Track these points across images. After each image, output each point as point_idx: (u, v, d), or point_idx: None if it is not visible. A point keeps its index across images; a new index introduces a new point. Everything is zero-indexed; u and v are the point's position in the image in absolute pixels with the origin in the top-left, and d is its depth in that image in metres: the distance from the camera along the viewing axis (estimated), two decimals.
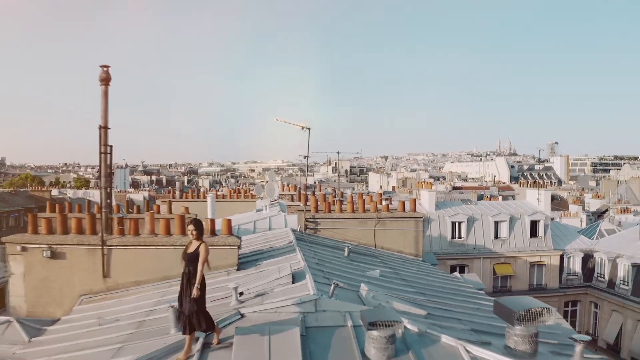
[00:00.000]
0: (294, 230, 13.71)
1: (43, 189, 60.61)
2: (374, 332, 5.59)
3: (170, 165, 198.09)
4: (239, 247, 9.97)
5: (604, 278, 33.12)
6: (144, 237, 10.08)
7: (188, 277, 6.06)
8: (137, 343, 6.56)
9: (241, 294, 7.41)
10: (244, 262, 10.19)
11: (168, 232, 10.13)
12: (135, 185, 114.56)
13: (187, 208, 17.67)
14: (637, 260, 30.80)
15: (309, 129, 14.03)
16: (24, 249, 10.39)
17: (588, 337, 6.77)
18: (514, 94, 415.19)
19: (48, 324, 9.27)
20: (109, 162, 10.61)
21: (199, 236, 6.28)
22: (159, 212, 18.39)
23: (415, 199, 16.36)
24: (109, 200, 10.73)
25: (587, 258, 34.48)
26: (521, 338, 6.18)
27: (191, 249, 6.21)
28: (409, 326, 6.20)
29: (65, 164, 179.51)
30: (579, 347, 6.33)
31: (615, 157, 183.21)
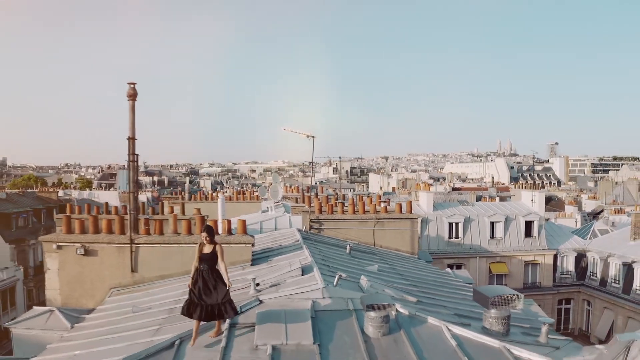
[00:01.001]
0: (299, 230, 14.92)
1: (50, 190, 61.77)
2: (372, 313, 6.82)
3: (171, 166, 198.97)
4: (252, 245, 11.21)
5: (596, 277, 34.32)
6: (168, 236, 11.30)
7: (208, 274, 7.05)
8: (172, 325, 7.77)
9: (258, 284, 8.62)
10: (257, 258, 11.40)
11: (189, 232, 11.35)
12: (138, 186, 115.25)
13: (199, 209, 18.93)
14: (628, 259, 31.99)
15: (313, 137, 15.23)
16: (59, 247, 11.59)
17: (552, 320, 8.00)
18: (515, 94, 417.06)
19: (85, 312, 10.49)
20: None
21: (212, 240, 7.30)
22: (172, 213, 19.67)
23: (411, 201, 17.59)
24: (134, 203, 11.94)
25: (580, 257, 35.67)
26: (495, 320, 7.39)
27: (206, 251, 7.21)
28: (400, 310, 7.42)
29: (66, 164, 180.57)
30: (544, 328, 7.58)
31: (615, 158, 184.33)
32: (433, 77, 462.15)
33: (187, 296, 7.15)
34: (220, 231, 11.39)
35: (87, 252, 11.43)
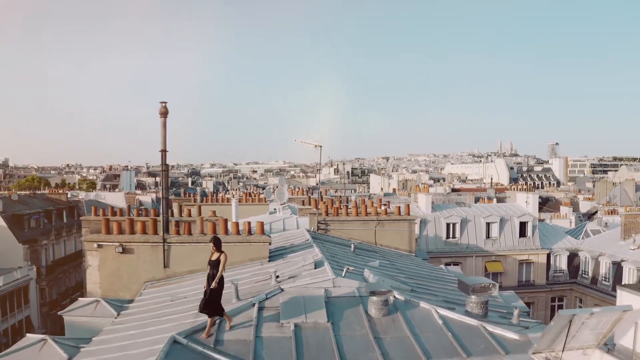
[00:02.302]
0: (308, 231, 16.56)
1: (59, 191, 63.45)
2: (374, 298, 8.47)
3: (172, 167, 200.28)
4: (269, 244, 12.86)
5: (587, 275, 35.94)
6: (196, 236, 12.93)
7: (212, 278, 8.47)
8: None
9: (278, 276, 10.25)
10: (273, 255, 13.02)
11: (214, 232, 12.96)
12: (141, 187, 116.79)
13: (214, 212, 20.60)
14: (617, 258, 33.61)
15: (320, 146, 16.84)
16: (99, 246, 13.23)
17: (524, 305, 9.64)
18: (516, 94, 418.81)
19: (126, 302, 12.11)
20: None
21: (219, 249, 8.69)
22: (189, 215, 21.38)
23: (409, 204, 19.23)
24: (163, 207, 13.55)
25: (573, 257, 37.30)
26: (475, 304, 9.02)
27: (213, 258, 8.65)
28: (397, 296, 9.06)
29: (68, 164, 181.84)
30: (515, 312, 9.21)
31: (615, 158, 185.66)
32: (434, 77, 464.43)
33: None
34: (241, 231, 13.04)
35: (125, 250, 13.06)
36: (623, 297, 7.69)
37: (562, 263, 36.96)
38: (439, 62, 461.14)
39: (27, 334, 10.00)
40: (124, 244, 13.03)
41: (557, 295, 36.91)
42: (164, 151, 13.07)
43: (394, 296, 8.95)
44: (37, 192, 65.02)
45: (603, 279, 34.41)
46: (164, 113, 13.08)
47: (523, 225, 36.42)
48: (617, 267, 33.45)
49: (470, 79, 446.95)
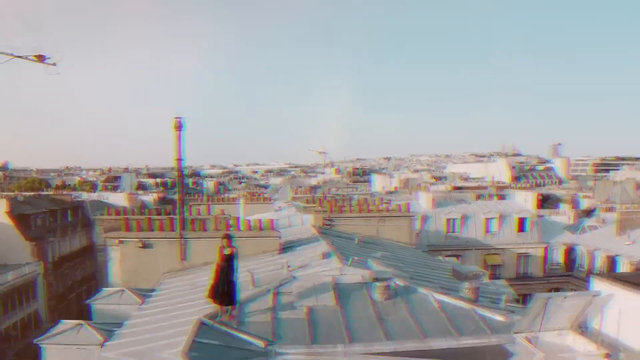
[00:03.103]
0: (314, 226, 17.59)
1: (63, 192, 64.56)
2: (377, 284, 9.50)
3: (173, 168, 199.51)
4: (280, 238, 13.90)
5: (583, 268, 36.95)
6: (210, 232, 13.95)
7: (227, 270, 9.48)
8: None
9: (289, 266, 11.27)
10: (283, 249, 14.06)
11: (228, 228, 13.98)
12: (143, 187, 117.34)
13: (223, 210, 21.66)
14: (612, 252, 34.64)
15: (324, 152, 17.78)
16: (121, 242, 14.26)
17: (512, 292, 10.62)
18: (518, 95, 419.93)
19: (147, 292, 13.10)
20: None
21: (230, 244, 9.74)
22: (199, 214, 22.41)
23: (408, 202, 20.30)
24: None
25: (570, 251, 38.39)
26: (467, 289, 10.03)
27: (227, 252, 9.63)
28: (398, 282, 10.09)
29: (67, 167, 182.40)
30: (504, 297, 10.22)
31: (617, 158, 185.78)
32: (435, 77, 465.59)
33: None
34: (253, 227, 14.07)
35: (145, 245, 14.09)
36: (595, 284, 8.64)
37: (559, 257, 38.02)
38: (440, 62, 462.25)
39: (63, 320, 10.99)
40: (143, 239, 14.05)
41: (553, 287, 37.75)
42: (178, 160, 14.11)
43: (395, 282, 9.96)
44: (41, 193, 66.12)
45: (598, 272, 35.37)
46: (178, 127, 14.06)
47: (521, 221, 37.43)
48: (612, 261, 34.45)
49: (472, 79, 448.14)
